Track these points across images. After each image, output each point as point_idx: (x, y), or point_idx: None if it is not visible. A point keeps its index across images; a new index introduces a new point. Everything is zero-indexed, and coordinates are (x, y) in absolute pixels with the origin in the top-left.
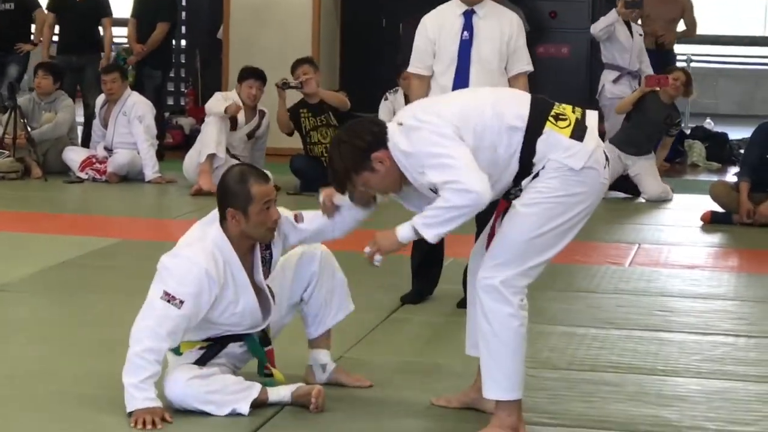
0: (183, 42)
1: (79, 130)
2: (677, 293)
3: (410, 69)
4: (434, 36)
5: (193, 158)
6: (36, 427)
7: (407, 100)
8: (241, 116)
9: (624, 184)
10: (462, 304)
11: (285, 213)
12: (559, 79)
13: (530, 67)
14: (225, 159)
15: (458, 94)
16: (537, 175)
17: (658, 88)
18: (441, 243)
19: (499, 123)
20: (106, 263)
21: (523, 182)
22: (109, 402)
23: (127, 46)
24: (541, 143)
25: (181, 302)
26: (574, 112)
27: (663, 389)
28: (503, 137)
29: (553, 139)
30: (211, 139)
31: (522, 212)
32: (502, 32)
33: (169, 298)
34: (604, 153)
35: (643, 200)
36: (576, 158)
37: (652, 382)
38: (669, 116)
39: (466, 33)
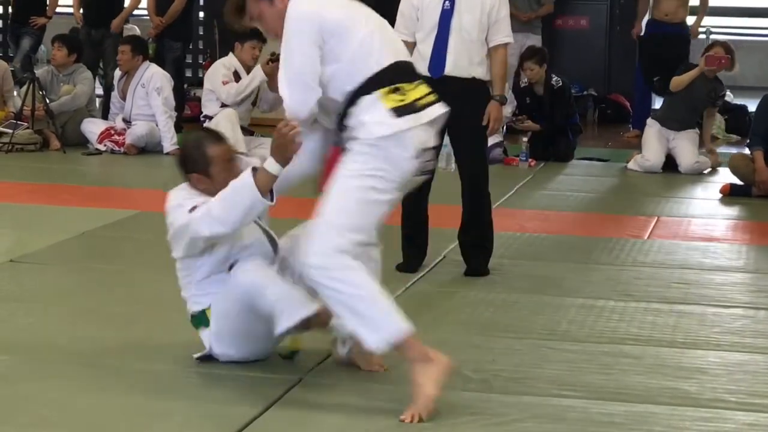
0: (201, 14)
1: (98, 102)
2: (696, 266)
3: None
4: (418, 3)
5: None
6: (60, 395)
7: None
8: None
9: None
10: (468, 272)
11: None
12: (577, 52)
13: (510, 39)
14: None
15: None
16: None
17: (714, 67)
18: (426, 210)
19: (361, 56)
20: (125, 235)
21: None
22: (128, 371)
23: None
24: (363, 100)
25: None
26: (424, 96)
27: (682, 362)
28: (353, 69)
29: (372, 104)
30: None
31: (335, 186)
32: (484, 3)
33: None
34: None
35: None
36: (377, 128)
37: (672, 354)
38: (713, 89)
39: (447, 2)
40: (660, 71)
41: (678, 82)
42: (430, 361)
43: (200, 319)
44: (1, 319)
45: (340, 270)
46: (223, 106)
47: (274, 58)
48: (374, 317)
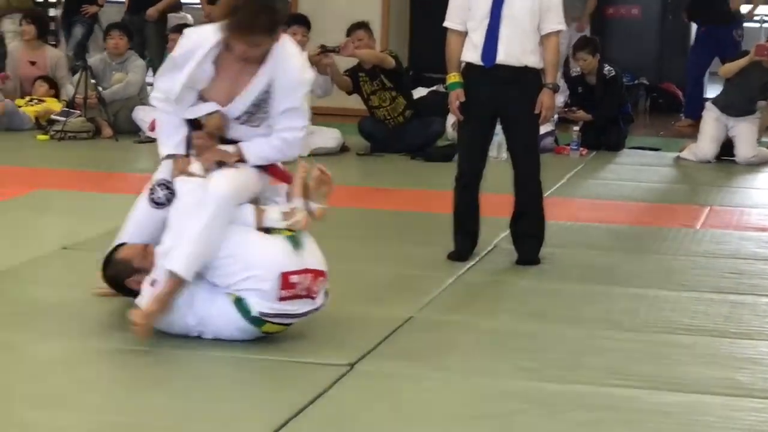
0: None
1: (149, 89)
2: (749, 255)
3: (446, 23)
4: None
5: None
6: (114, 381)
7: None
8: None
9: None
10: (520, 261)
11: None
12: (629, 41)
13: (562, 26)
14: None
15: None
16: None
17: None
18: (477, 199)
19: None
20: None
21: None
22: (180, 358)
23: None
24: None
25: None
26: None
27: (735, 352)
28: None
29: None
30: None
31: None
32: None
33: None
34: None
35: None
36: None
37: (724, 344)
38: (767, 83)
39: None
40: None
41: (727, 69)
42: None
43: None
44: (53, 306)
45: None
46: None
47: (323, 51)
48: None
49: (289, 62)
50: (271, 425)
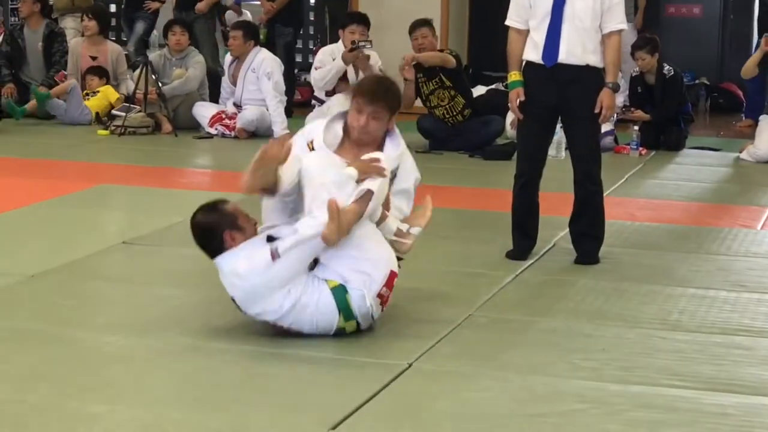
0: (312, 0)
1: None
2: None
3: (508, 22)
4: None
5: (313, 118)
6: (171, 376)
7: None
8: (350, 72)
9: None
10: (579, 260)
11: None
12: (690, 40)
13: (624, 26)
14: None
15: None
16: None
17: None
18: (536, 198)
19: None
20: None
21: None
22: (235, 353)
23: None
24: None
25: None
26: None
27: None
28: None
29: None
30: None
31: None
32: None
33: None
34: None
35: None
36: None
37: None
38: None
39: None
40: None
41: (745, 68)
42: None
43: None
44: (113, 301)
45: None
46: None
47: (355, 47)
48: None
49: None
50: (329, 422)
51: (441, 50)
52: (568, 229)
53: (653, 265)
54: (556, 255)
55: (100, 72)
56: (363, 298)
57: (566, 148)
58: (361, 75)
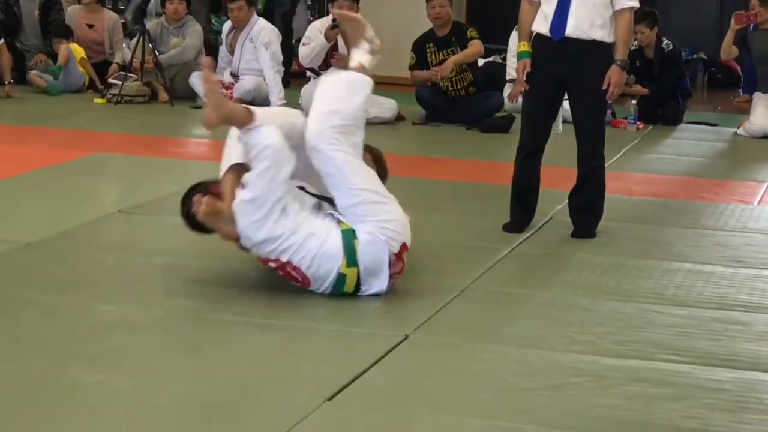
0: None
1: None
2: None
3: None
4: None
5: (309, 90)
6: (167, 345)
7: None
8: (341, 44)
9: None
10: (576, 234)
11: None
12: (688, 15)
13: (636, 3)
14: None
15: None
16: None
17: (751, 24)
18: (538, 172)
19: None
20: None
21: None
22: (232, 323)
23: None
24: None
25: None
26: None
27: None
28: None
29: None
30: None
31: None
32: None
33: None
34: None
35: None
36: None
37: None
38: None
39: None
40: None
41: (722, 50)
42: None
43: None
44: (109, 269)
45: None
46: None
47: (335, 24)
48: None
49: None
50: (325, 393)
51: (464, 27)
52: (566, 203)
53: (650, 239)
54: (553, 228)
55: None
56: (370, 244)
57: (564, 122)
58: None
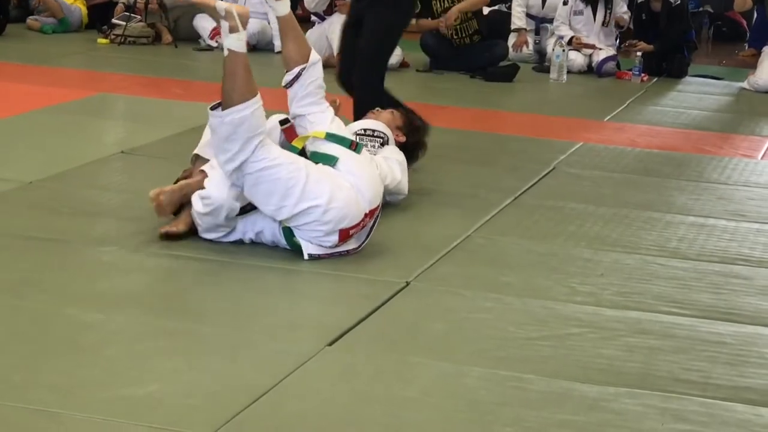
0: None
1: None
2: None
3: None
4: None
5: (314, 34)
6: (166, 288)
7: None
8: None
9: None
10: None
11: None
12: None
13: None
14: None
15: None
16: None
17: None
18: None
19: None
20: None
21: None
22: (236, 266)
23: None
24: None
25: None
26: None
27: None
28: None
29: None
30: None
31: None
32: None
33: None
34: None
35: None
36: None
37: None
38: None
39: None
40: None
41: (736, 3)
42: None
43: None
44: (110, 210)
45: None
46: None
47: None
48: None
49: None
50: (326, 338)
51: None
52: (570, 152)
53: (653, 191)
54: (556, 178)
55: None
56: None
57: (568, 72)
58: None
